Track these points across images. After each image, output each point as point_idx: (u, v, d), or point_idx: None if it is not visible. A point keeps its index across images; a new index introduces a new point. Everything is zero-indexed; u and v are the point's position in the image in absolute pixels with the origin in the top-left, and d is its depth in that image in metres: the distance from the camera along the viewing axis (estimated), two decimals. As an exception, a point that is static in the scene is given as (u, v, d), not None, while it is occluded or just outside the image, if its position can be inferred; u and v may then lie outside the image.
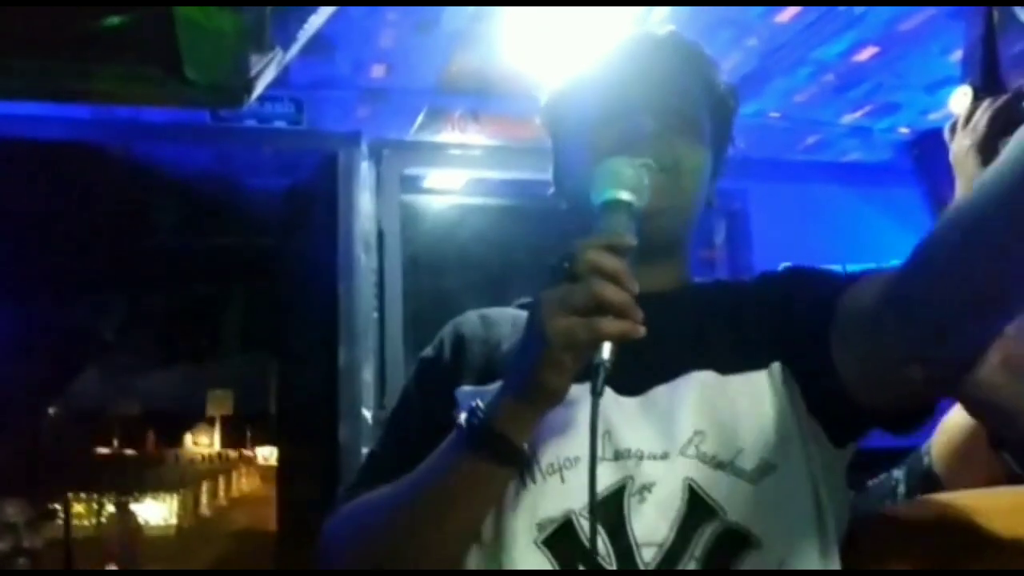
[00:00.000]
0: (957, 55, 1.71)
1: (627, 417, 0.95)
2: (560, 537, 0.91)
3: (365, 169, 2.45)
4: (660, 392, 0.97)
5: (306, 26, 1.35)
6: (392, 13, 1.87)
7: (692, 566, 0.88)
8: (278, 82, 1.72)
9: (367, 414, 2.33)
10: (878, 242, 2.83)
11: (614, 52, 1.11)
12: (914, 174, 2.76)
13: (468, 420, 0.91)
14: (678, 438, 0.93)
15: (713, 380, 0.96)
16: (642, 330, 0.82)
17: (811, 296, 0.99)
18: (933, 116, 2.50)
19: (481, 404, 0.91)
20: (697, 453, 0.92)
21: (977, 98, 1.47)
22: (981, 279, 0.77)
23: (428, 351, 1.16)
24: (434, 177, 2.60)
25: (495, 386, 0.93)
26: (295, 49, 1.40)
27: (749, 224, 2.79)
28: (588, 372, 0.83)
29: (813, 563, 0.90)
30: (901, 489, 1.29)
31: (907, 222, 2.81)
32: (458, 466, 0.91)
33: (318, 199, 2.53)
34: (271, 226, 3.19)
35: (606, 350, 0.82)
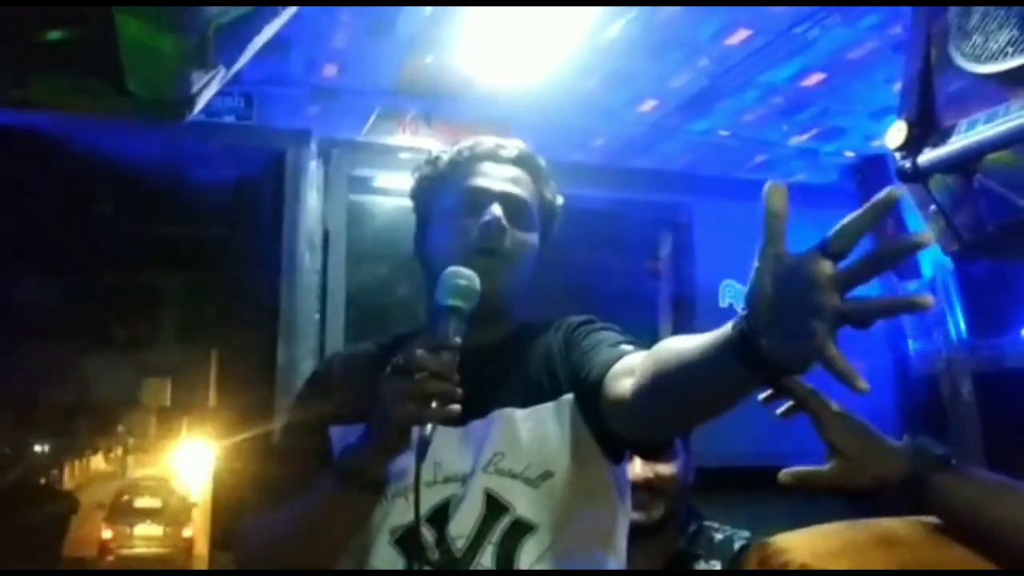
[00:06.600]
0: (900, 85, 1.76)
1: (452, 447, 1.30)
2: (405, 538, 1.27)
3: (313, 168, 2.42)
4: (475, 425, 1.31)
5: (249, 46, 1.34)
6: (346, 14, 1.86)
7: (490, 550, 1.24)
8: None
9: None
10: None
11: (475, 157, 1.42)
12: (857, 197, 2.81)
13: (341, 461, 1.26)
14: (482, 460, 1.29)
15: (511, 414, 1.32)
16: (457, 410, 1.14)
17: (587, 356, 1.31)
18: (876, 142, 2.56)
19: (349, 451, 1.25)
20: (496, 469, 1.29)
21: (911, 133, 1.51)
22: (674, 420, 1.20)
23: (301, 391, 1.52)
24: (384, 178, 2.59)
25: (359, 427, 1.26)
26: (239, 65, 1.39)
27: (693, 238, 2.81)
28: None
29: (581, 540, 1.28)
30: None
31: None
32: (333, 495, 1.25)
33: (265, 195, 2.50)
34: (217, 219, 3.14)
35: (428, 427, 1.14)
